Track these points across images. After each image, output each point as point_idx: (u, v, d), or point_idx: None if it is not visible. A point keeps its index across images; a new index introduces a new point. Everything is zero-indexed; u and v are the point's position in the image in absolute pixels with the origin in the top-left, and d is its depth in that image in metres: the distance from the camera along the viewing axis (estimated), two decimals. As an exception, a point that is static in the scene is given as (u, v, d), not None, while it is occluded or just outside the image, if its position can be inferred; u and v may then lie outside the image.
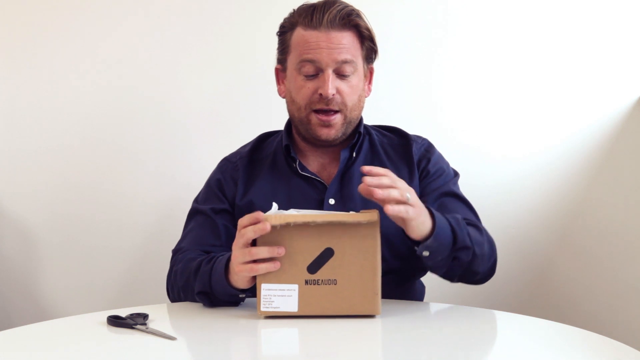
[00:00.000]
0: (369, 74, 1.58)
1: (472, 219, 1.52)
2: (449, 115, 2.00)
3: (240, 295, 1.33)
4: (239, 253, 1.26)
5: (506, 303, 1.98)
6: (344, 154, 1.54)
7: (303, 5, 1.51)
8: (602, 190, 1.95)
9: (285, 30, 1.53)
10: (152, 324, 1.22)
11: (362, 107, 1.55)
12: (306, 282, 1.24)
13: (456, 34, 2.00)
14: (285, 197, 1.50)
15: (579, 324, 1.31)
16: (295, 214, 1.25)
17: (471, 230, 1.40)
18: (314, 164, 1.57)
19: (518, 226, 1.98)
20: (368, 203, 1.50)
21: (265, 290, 1.24)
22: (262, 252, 1.23)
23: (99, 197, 2.06)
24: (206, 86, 2.04)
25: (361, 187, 1.25)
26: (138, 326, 1.20)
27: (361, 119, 1.58)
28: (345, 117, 1.50)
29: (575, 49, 1.96)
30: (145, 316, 1.23)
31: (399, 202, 1.24)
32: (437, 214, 1.32)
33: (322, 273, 1.24)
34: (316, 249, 1.24)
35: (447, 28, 2.00)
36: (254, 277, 1.27)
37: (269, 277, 1.24)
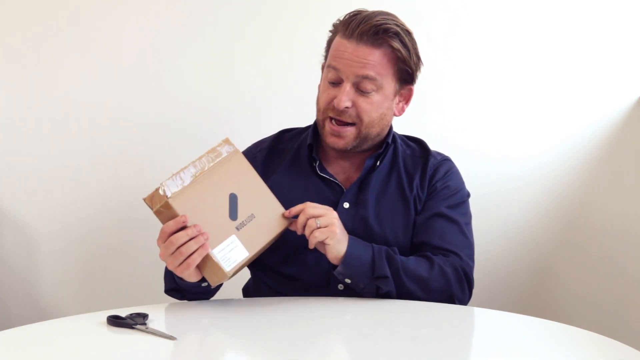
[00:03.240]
0: (407, 95, 1.56)
1: (453, 246, 1.48)
2: (449, 115, 2.00)
3: (203, 285, 1.37)
4: (167, 257, 1.30)
5: (506, 303, 1.98)
6: (368, 162, 1.54)
7: (353, 11, 1.50)
8: (603, 190, 1.95)
9: (332, 32, 1.53)
10: (152, 324, 1.22)
11: (386, 125, 1.53)
12: (237, 228, 1.34)
13: (456, 34, 2.00)
14: (302, 193, 1.51)
15: (579, 324, 1.31)
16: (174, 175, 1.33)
17: (411, 264, 1.41)
18: (335, 166, 1.57)
19: (518, 226, 1.98)
20: (380, 210, 1.51)
21: (218, 252, 1.30)
22: (169, 227, 1.29)
23: (100, 197, 2.05)
24: (216, 89, 2.03)
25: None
26: (138, 326, 1.20)
27: (391, 129, 1.57)
28: (359, 132, 1.49)
29: (575, 49, 1.96)
30: (145, 316, 1.23)
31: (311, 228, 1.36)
32: (354, 242, 1.40)
33: (241, 215, 1.35)
34: (223, 199, 1.35)
35: (448, 28, 2.00)
36: (198, 268, 1.31)
37: (212, 242, 1.30)
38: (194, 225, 1.27)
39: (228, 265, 1.30)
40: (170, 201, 1.29)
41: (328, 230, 1.36)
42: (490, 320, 1.34)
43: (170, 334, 1.16)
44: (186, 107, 2.04)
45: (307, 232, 1.37)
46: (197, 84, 2.03)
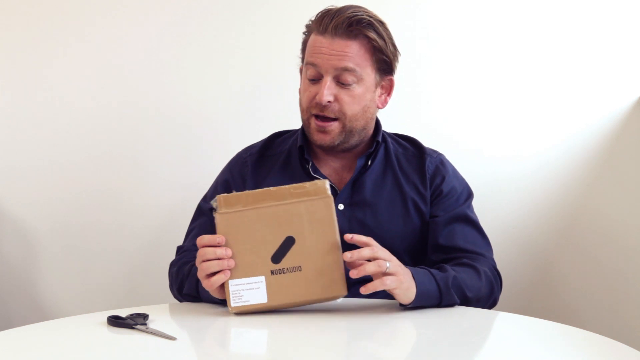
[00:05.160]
0: (388, 86, 1.56)
1: (478, 248, 1.51)
2: (449, 115, 2.00)
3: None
4: (198, 264, 1.29)
5: (506, 303, 1.98)
6: (359, 162, 1.54)
7: (325, 8, 1.50)
8: (603, 190, 1.95)
9: (306, 33, 1.53)
10: (152, 324, 1.22)
11: (370, 118, 1.53)
12: (272, 272, 1.27)
13: (456, 33, 1.99)
14: None
15: (579, 324, 1.31)
16: (248, 192, 1.29)
17: (466, 277, 1.39)
18: (327, 167, 1.57)
19: (518, 226, 1.98)
20: (377, 210, 1.51)
21: (234, 286, 1.27)
22: (202, 241, 1.27)
23: (100, 198, 2.05)
24: (210, 90, 2.03)
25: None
26: (138, 326, 1.20)
27: (379, 128, 1.57)
28: (344, 126, 1.49)
29: (575, 49, 1.96)
30: (145, 316, 1.23)
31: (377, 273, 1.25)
32: (419, 278, 1.31)
33: (286, 261, 1.27)
34: (277, 238, 1.27)
35: (447, 27, 2.00)
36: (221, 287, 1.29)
37: (236, 273, 1.27)
38: (226, 248, 1.26)
39: (236, 302, 1.27)
40: (217, 216, 1.28)
41: (396, 279, 1.26)
42: (490, 320, 1.34)
43: (170, 334, 1.16)
44: (183, 108, 2.04)
45: (372, 269, 1.24)
46: (193, 86, 2.03)
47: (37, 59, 2.05)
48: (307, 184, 1.28)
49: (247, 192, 1.29)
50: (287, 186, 1.28)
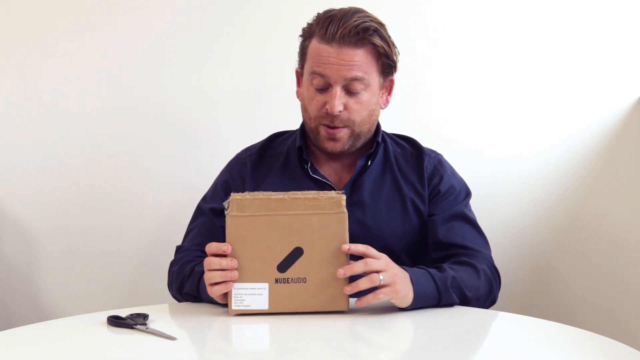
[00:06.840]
0: (389, 86, 1.56)
1: (477, 245, 1.51)
2: (450, 115, 2.00)
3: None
4: (205, 276, 1.30)
5: (506, 303, 1.98)
6: (360, 163, 1.54)
7: (325, 12, 1.49)
8: (602, 191, 1.95)
9: (305, 37, 1.52)
10: (152, 324, 1.22)
11: (375, 121, 1.54)
12: (276, 280, 1.27)
13: (456, 33, 1.99)
14: None
15: (579, 324, 1.31)
16: (262, 193, 1.28)
17: (465, 277, 1.39)
18: (326, 167, 1.57)
19: (518, 226, 1.98)
20: (376, 211, 1.51)
21: (237, 289, 1.27)
22: (210, 248, 1.28)
23: (100, 198, 2.05)
24: (208, 90, 2.03)
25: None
26: (138, 326, 1.20)
27: (379, 128, 1.57)
28: (352, 132, 1.49)
29: (575, 49, 1.96)
30: (145, 316, 1.23)
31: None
32: (417, 279, 1.31)
33: (292, 272, 1.27)
34: (285, 247, 1.27)
35: (447, 27, 1.99)
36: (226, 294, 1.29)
37: (240, 276, 1.27)
38: (231, 259, 1.26)
39: (237, 305, 1.27)
40: (228, 218, 1.27)
41: (391, 290, 1.26)
42: (490, 320, 1.34)
43: (170, 334, 1.16)
44: (183, 109, 2.04)
45: (365, 285, 1.25)
46: (193, 87, 2.03)
47: (37, 60, 2.04)
48: (323, 197, 1.27)
49: (261, 197, 1.27)
50: (302, 196, 1.27)
